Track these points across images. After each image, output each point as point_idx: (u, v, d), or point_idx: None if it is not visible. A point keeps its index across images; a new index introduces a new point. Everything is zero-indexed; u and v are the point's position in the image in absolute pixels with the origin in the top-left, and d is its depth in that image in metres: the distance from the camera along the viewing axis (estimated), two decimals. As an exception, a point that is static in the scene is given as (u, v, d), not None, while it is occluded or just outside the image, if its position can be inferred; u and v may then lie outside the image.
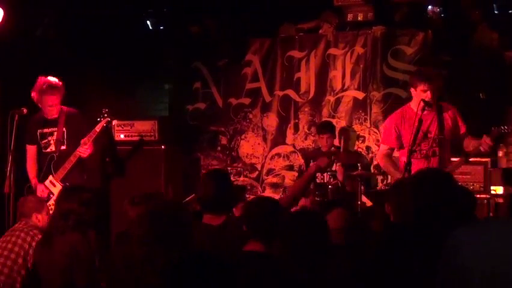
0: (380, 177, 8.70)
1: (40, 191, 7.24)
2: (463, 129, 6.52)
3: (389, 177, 8.40)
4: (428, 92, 6.25)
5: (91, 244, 4.92)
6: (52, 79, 7.23)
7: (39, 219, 5.97)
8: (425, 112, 6.27)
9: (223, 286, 2.66)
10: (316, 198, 7.88)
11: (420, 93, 6.31)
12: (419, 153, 6.30)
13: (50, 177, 7.26)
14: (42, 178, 7.30)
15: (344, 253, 4.31)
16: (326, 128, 8.51)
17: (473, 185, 7.40)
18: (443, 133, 6.37)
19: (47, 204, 7.10)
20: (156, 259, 3.30)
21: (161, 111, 9.88)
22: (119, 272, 3.57)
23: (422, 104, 6.20)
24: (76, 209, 4.95)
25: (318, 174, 8.37)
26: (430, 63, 8.40)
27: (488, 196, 7.42)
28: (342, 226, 4.73)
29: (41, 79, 7.23)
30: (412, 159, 6.12)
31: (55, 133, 7.33)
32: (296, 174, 9.15)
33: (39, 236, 5.61)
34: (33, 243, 5.61)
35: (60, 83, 7.26)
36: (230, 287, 2.68)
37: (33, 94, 7.24)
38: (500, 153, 7.85)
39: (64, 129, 7.32)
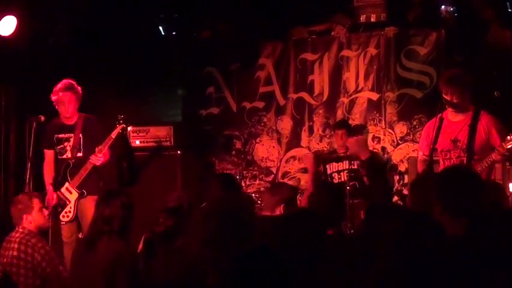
0: (396, 178, 8.67)
1: (50, 199, 7.15)
2: (497, 143, 5.97)
3: (406, 177, 8.43)
4: (448, 96, 6.11)
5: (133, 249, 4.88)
6: (69, 80, 7.30)
7: (30, 220, 5.74)
8: (458, 118, 6.16)
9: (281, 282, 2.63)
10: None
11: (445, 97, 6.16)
12: (448, 161, 6.13)
13: (66, 184, 7.25)
14: (58, 185, 7.26)
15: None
16: (341, 125, 8.59)
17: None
18: (472, 144, 6.06)
19: (64, 210, 7.14)
20: (220, 259, 3.27)
21: (175, 116, 9.86)
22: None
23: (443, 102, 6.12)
24: (119, 213, 4.92)
25: (335, 175, 8.38)
26: (443, 63, 8.41)
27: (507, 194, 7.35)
28: None
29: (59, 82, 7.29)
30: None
31: (71, 139, 7.32)
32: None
33: (39, 244, 5.56)
34: (36, 255, 5.51)
35: (76, 84, 7.32)
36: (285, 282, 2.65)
37: (52, 96, 7.27)
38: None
39: (81, 135, 7.32)
